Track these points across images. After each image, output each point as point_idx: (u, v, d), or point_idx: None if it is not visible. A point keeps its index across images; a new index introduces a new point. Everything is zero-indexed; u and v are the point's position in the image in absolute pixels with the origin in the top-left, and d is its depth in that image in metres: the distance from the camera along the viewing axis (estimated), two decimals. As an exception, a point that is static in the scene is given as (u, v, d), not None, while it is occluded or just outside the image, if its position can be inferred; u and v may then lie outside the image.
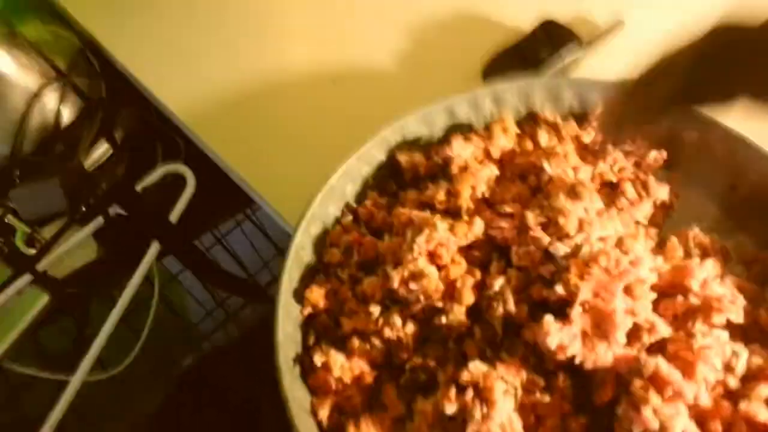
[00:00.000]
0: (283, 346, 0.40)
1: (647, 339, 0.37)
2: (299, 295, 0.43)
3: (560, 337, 0.37)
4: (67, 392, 0.45)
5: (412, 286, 0.41)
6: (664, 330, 0.38)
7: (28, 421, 0.46)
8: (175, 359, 0.51)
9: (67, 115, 0.58)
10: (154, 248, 0.51)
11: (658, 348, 0.38)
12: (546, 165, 0.45)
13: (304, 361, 0.41)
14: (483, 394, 0.36)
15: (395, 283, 0.41)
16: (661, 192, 0.45)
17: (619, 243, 0.42)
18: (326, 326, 0.43)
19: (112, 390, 0.49)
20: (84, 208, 0.54)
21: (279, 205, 0.52)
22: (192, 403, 0.49)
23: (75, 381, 0.45)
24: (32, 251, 0.52)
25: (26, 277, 0.49)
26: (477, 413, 0.36)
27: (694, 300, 0.39)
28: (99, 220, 0.53)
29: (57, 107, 0.57)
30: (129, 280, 0.50)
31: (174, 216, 0.53)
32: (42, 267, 0.51)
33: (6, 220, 0.50)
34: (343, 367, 0.40)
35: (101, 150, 0.60)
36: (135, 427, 0.48)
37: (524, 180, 0.47)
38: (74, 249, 0.53)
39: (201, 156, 0.57)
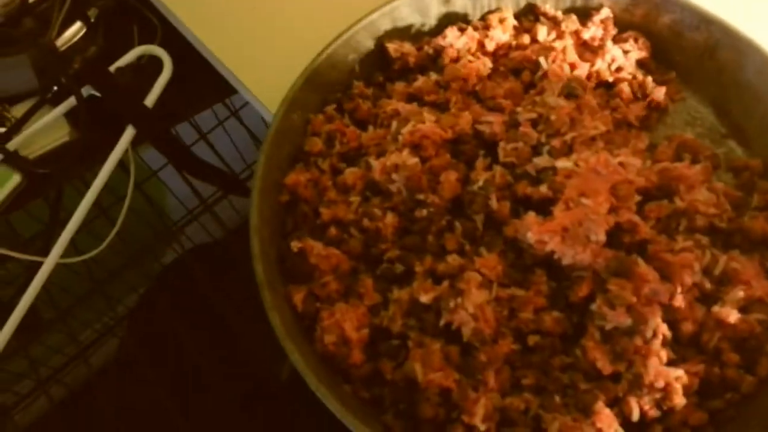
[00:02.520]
0: (259, 232, 0.39)
1: (628, 239, 0.37)
2: (277, 183, 0.42)
3: (541, 231, 0.36)
4: (41, 273, 0.44)
5: (394, 176, 0.40)
6: (645, 231, 0.37)
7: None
8: (155, 256, 0.50)
9: (37, -12, 0.54)
10: (129, 133, 0.49)
11: (639, 249, 0.37)
12: (542, 60, 0.43)
13: (281, 247, 0.41)
14: (458, 285, 0.36)
15: (377, 174, 0.40)
16: (657, 93, 0.43)
17: (609, 142, 0.40)
18: (305, 215, 0.42)
19: (87, 278, 0.48)
20: (55, 87, 0.51)
21: (260, 93, 0.49)
22: (168, 302, 0.48)
23: (48, 262, 0.45)
24: (1, 129, 0.50)
25: (-5, 156, 0.47)
26: (451, 303, 0.36)
27: (678, 203, 0.38)
28: (71, 101, 0.51)
29: (25, -22, 0.53)
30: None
31: (149, 100, 0.51)
32: (12, 146, 0.49)
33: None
34: (320, 255, 0.39)
35: (74, 29, 0.57)
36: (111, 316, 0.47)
37: (518, 75, 0.45)
38: (46, 129, 0.50)
39: (179, 41, 0.54)
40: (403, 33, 0.47)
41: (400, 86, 0.45)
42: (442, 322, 0.36)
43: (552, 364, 0.36)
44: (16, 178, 0.48)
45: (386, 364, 0.37)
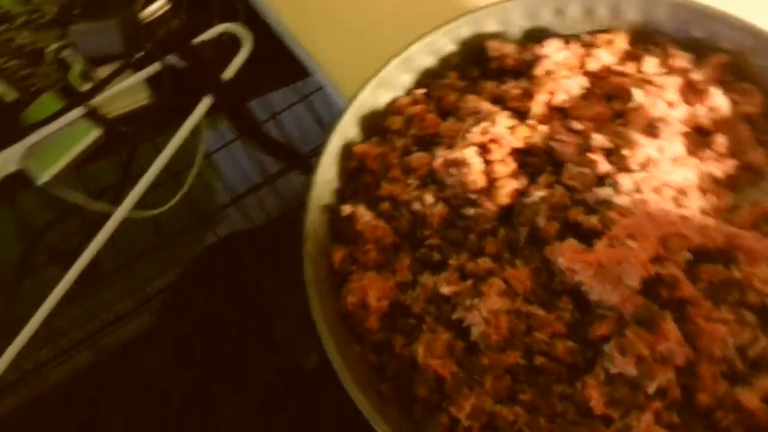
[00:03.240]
0: (319, 187, 0.42)
1: (666, 293, 0.36)
2: (349, 150, 0.45)
3: (573, 259, 0.36)
4: (110, 223, 0.48)
5: (452, 170, 0.41)
6: (689, 291, 0.36)
7: (69, 246, 0.48)
8: (202, 234, 0.53)
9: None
10: (206, 102, 0.52)
11: (678, 306, 0.36)
12: (636, 91, 0.41)
13: (335, 210, 0.44)
14: (480, 287, 0.37)
15: (437, 164, 0.41)
16: (755, 155, 0.40)
17: (681, 193, 0.39)
18: (366, 185, 0.44)
19: (150, 236, 0.52)
20: (140, 53, 0.55)
21: (338, 76, 0.51)
22: (207, 282, 0.50)
23: (118, 213, 0.48)
24: (87, 86, 0.53)
25: (78, 110, 0.51)
26: (467, 301, 0.37)
27: (735, 273, 0.36)
28: (154, 66, 0.54)
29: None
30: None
31: (227, 74, 0.53)
32: (95, 103, 0.52)
33: (64, 55, 0.52)
34: (368, 223, 0.42)
35: (159, 2, 0.59)
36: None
37: (610, 101, 0.43)
38: (128, 92, 0.54)
39: (257, 23, 0.57)
40: (507, 35, 0.47)
41: (490, 85, 0.46)
42: (455, 316, 0.38)
43: (552, 390, 0.36)
44: (95, 133, 0.52)
45: (398, 339, 0.39)
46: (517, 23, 0.47)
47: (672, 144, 0.40)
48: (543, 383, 0.37)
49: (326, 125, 0.54)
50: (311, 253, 0.41)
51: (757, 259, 0.36)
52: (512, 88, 0.44)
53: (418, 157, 0.44)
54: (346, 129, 0.44)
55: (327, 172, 0.43)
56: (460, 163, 0.41)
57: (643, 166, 0.39)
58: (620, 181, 0.39)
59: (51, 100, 0.52)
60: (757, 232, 0.37)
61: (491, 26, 0.46)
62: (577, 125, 0.42)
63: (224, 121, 0.56)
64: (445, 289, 0.38)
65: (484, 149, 0.42)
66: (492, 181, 0.41)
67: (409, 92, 0.47)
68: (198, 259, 0.51)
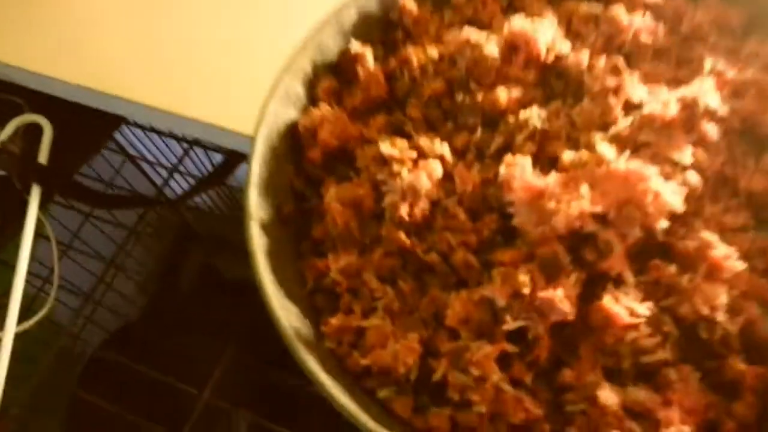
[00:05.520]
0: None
1: (590, 256, 0.31)
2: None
3: (519, 177, 0.32)
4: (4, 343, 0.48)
5: (467, 51, 0.38)
6: (617, 266, 0.31)
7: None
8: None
9: None
10: (36, 191, 0.51)
11: (597, 276, 0.31)
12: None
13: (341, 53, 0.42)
14: (418, 163, 0.35)
15: (459, 39, 0.38)
16: None
17: (677, 171, 0.33)
18: (394, 40, 0.43)
19: None
20: None
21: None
22: None
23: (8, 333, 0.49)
24: None
25: None
26: (396, 167, 0.35)
27: (684, 282, 0.30)
28: None
29: None
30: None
31: (42, 158, 0.52)
32: None
33: None
34: (369, 70, 0.40)
35: None
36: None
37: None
38: None
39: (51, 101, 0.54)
40: None
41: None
42: (379, 177, 0.36)
43: (429, 291, 0.33)
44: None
45: (330, 182, 0.38)
46: None
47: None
48: (425, 281, 0.34)
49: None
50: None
51: (717, 281, 0.30)
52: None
53: (454, 35, 0.41)
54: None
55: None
56: (477, 48, 0.38)
57: (658, 133, 0.33)
58: (621, 134, 0.34)
59: None
60: (737, 257, 0.31)
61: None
62: (624, 65, 0.36)
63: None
64: (386, 149, 0.36)
65: (512, 47, 0.38)
66: (499, 77, 0.37)
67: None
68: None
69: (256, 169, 0.37)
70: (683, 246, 0.32)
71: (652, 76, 0.37)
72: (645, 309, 0.30)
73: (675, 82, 0.37)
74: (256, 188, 0.36)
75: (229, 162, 0.59)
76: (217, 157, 0.63)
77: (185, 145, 0.66)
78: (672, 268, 0.31)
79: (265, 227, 0.36)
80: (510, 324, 0.30)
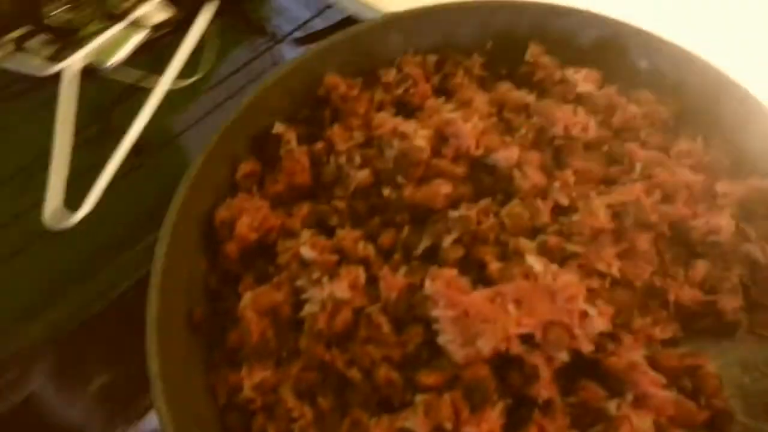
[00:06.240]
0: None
1: (516, 381, 0.29)
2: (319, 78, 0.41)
3: (446, 291, 0.30)
4: (156, 94, 0.49)
5: (395, 142, 0.36)
6: (546, 393, 0.29)
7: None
8: None
9: None
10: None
11: (524, 402, 0.29)
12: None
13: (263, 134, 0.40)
14: (340, 269, 0.33)
15: (386, 128, 0.37)
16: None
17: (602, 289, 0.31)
18: (321, 118, 0.40)
19: None
20: None
21: None
22: None
23: (163, 84, 0.50)
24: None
25: (124, 22, 0.53)
26: (316, 274, 0.33)
27: (612, 410, 0.29)
28: None
29: None
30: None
31: None
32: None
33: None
34: (293, 152, 0.38)
35: None
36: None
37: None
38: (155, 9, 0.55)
39: None
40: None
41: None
42: (298, 283, 0.33)
43: (351, 411, 0.31)
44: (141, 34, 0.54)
45: (247, 278, 0.36)
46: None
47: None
48: (346, 398, 0.32)
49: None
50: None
51: (644, 407, 0.29)
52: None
53: (382, 117, 0.39)
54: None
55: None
56: (405, 138, 0.36)
57: (586, 242, 0.32)
58: (549, 243, 0.32)
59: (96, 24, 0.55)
60: (664, 382, 0.30)
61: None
62: (553, 164, 0.35)
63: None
64: (308, 252, 0.34)
65: (442, 138, 0.36)
66: (428, 171, 0.35)
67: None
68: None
69: (160, 266, 0.33)
70: (612, 364, 0.30)
71: (583, 174, 0.36)
72: (574, 441, 0.28)
73: (606, 182, 0.36)
74: (160, 292, 0.33)
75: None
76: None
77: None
78: (600, 392, 0.30)
79: (172, 336, 0.33)
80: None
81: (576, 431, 0.29)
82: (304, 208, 0.37)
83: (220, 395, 0.33)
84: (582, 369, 0.31)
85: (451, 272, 0.31)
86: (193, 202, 0.36)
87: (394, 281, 0.33)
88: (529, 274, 0.31)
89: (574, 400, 0.30)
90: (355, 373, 0.32)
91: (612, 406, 0.29)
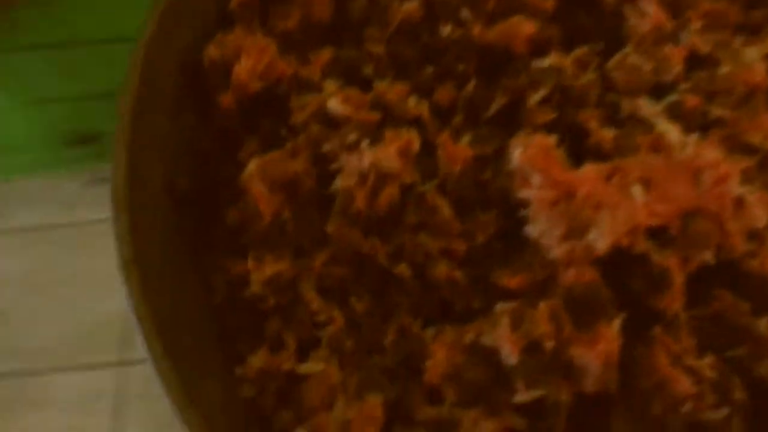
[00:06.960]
0: None
1: (639, 285, 0.21)
2: None
3: (538, 162, 0.21)
4: None
5: None
6: (675, 305, 0.21)
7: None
8: None
9: None
10: None
11: (644, 317, 0.22)
12: None
13: None
14: (385, 129, 0.23)
15: None
16: None
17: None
18: None
19: None
20: None
21: None
22: None
23: None
24: None
25: None
26: (353, 135, 0.23)
27: (762, 327, 0.22)
28: None
29: None
30: None
31: None
32: None
33: None
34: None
35: None
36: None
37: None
38: None
39: None
40: None
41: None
42: (326, 148, 0.24)
43: (394, 317, 0.23)
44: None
45: (251, 142, 0.26)
46: None
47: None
48: (389, 301, 0.23)
49: None
50: None
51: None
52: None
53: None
54: None
55: None
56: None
57: (736, 105, 0.23)
58: (687, 104, 0.23)
59: None
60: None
61: None
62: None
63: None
64: (338, 107, 0.24)
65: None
66: (505, 2, 0.26)
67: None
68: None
69: (127, 121, 0.23)
70: (756, 267, 0.22)
71: (716, 18, 0.26)
72: (710, 369, 0.21)
73: (746, 29, 0.26)
74: (128, 150, 0.23)
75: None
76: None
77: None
78: (743, 304, 0.22)
79: (148, 210, 0.24)
80: (524, 395, 0.20)
81: (710, 354, 0.21)
82: (325, 54, 0.27)
83: (217, 290, 0.24)
84: (709, 273, 0.23)
85: (548, 139, 0.22)
86: (170, 34, 0.26)
87: (456, 151, 0.24)
88: (658, 146, 0.22)
89: (704, 313, 0.22)
90: (403, 269, 0.23)
91: (763, 323, 0.21)
